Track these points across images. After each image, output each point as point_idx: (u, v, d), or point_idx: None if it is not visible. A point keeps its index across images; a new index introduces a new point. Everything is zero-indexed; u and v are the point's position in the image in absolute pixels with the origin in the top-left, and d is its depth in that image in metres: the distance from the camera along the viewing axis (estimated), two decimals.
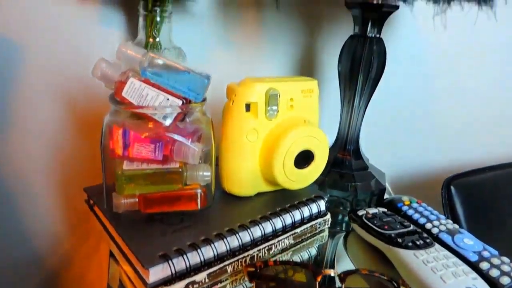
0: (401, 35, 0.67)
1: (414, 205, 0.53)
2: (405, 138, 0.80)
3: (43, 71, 0.55)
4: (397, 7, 0.51)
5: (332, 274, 0.36)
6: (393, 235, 0.44)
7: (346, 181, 0.58)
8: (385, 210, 0.51)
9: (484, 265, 0.41)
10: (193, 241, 0.38)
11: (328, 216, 0.50)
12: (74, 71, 0.56)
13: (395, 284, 0.36)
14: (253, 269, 0.36)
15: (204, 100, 0.42)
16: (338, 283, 0.36)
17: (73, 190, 0.62)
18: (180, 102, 0.39)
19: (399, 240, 0.43)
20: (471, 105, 0.79)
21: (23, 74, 0.54)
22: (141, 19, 0.50)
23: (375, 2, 0.51)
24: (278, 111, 0.45)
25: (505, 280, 0.39)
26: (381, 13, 0.52)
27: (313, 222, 0.48)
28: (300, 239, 0.47)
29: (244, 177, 0.47)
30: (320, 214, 0.49)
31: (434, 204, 0.65)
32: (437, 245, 0.43)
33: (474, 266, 0.41)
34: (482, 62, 0.74)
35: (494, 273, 0.40)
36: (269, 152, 0.45)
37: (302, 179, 0.48)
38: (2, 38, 0.52)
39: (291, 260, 0.44)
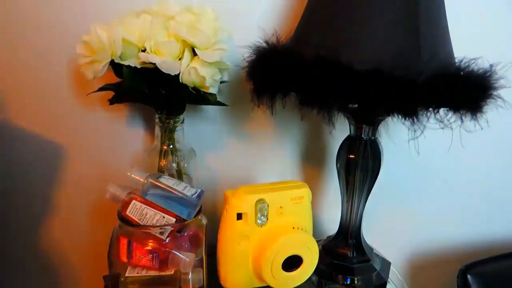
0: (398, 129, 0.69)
1: None
2: (420, 220, 0.80)
3: (82, 167, 0.65)
4: (387, 126, 0.54)
5: None
6: None
7: (346, 274, 0.59)
8: None
9: None
10: None
11: None
12: (105, 168, 0.65)
13: None
14: None
15: (199, 212, 0.48)
16: None
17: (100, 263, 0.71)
18: (173, 220, 0.45)
19: None
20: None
21: (66, 169, 0.65)
22: (156, 128, 0.58)
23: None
24: (267, 219, 0.50)
25: None
26: (373, 121, 0.55)
27: None
28: None
29: (238, 276, 0.51)
30: None
31: None
32: None
33: None
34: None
35: None
36: (259, 256, 0.49)
37: (290, 281, 0.51)
38: (52, 141, 0.63)
39: None
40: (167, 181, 0.47)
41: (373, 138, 0.57)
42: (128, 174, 0.46)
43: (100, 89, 0.53)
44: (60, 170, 0.64)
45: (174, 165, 0.59)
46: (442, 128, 0.44)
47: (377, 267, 0.61)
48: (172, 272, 0.47)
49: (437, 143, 0.64)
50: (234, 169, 0.70)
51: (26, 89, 0.60)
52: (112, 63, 0.51)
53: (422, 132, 0.43)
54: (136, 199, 0.45)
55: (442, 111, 0.45)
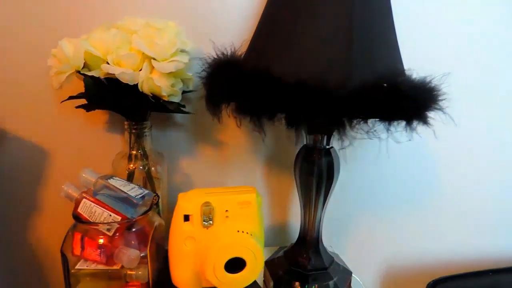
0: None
1: None
2: (396, 234, 0.79)
3: (64, 169, 0.70)
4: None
5: None
6: None
7: (302, 281, 0.60)
8: None
9: None
10: None
11: None
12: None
13: None
14: None
15: (148, 210, 0.51)
16: None
17: None
18: (119, 218, 0.49)
19: None
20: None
21: (49, 171, 0.71)
22: (126, 134, 0.63)
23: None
24: (213, 222, 0.52)
25: None
26: (325, 130, 0.56)
27: None
28: None
29: (186, 276, 0.54)
30: None
31: None
32: None
33: None
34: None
35: None
36: (203, 257, 0.52)
37: (234, 282, 0.53)
38: (36, 144, 0.69)
39: None
40: (116, 182, 0.51)
41: (327, 147, 0.58)
42: (82, 174, 0.51)
43: (71, 98, 0.59)
44: (44, 172, 0.70)
45: (141, 168, 0.63)
46: (371, 139, 0.45)
47: (335, 275, 0.62)
48: (119, 267, 0.50)
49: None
50: (207, 174, 0.73)
51: (12, 96, 0.66)
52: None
53: (350, 143, 0.45)
54: (86, 198, 0.49)
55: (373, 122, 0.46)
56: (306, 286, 0.60)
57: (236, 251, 0.52)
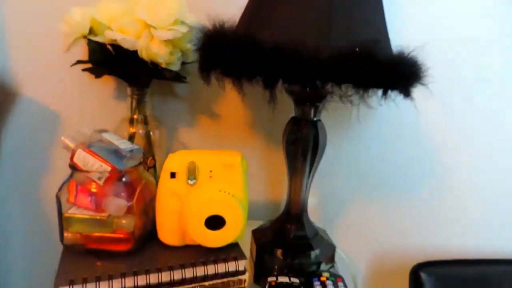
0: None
1: (328, 282, 0.55)
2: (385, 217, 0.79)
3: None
4: (325, 96, 0.57)
5: None
6: None
7: (284, 249, 0.62)
8: (296, 280, 0.55)
9: None
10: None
11: (246, 276, 0.57)
12: None
13: None
14: None
15: (139, 164, 0.56)
16: None
17: None
18: (109, 168, 0.53)
19: None
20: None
21: (61, 133, 0.76)
22: (128, 99, 0.67)
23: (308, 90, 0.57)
24: (197, 180, 0.56)
25: None
26: (313, 102, 0.58)
27: (226, 279, 0.56)
28: None
29: (171, 231, 0.57)
30: (237, 273, 0.56)
31: None
32: None
33: None
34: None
35: None
36: (187, 214, 0.55)
37: (216, 239, 0.56)
38: (45, 107, 0.75)
39: None
40: (109, 136, 0.55)
41: (315, 119, 0.60)
42: (80, 129, 0.55)
43: (79, 62, 0.64)
44: (55, 132, 0.76)
45: (141, 131, 0.67)
46: (343, 103, 0.46)
47: (317, 247, 0.63)
48: (107, 215, 0.54)
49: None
50: (204, 144, 0.77)
51: (28, 62, 0.72)
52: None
53: (325, 108, 0.47)
54: (81, 149, 0.54)
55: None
56: (286, 255, 0.62)
57: (216, 208, 0.55)
